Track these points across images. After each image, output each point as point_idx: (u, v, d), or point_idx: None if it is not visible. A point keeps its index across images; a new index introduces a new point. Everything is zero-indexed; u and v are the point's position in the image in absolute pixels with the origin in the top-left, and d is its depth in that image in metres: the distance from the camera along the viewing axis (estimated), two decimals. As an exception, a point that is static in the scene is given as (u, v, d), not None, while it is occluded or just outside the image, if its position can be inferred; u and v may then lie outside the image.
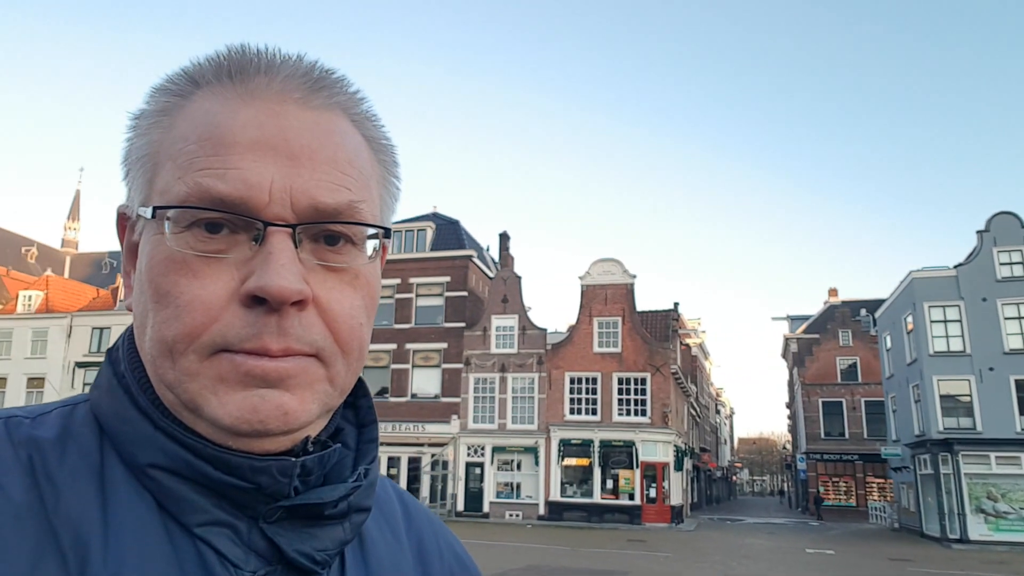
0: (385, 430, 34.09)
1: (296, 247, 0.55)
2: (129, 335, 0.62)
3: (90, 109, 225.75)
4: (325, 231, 0.57)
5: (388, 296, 35.97)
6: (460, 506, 33.11)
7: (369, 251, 0.60)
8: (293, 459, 0.56)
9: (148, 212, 0.55)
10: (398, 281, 35.99)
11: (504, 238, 36.67)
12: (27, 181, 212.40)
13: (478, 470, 33.44)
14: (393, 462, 34.14)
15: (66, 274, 61.97)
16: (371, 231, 0.59)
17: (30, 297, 41.55)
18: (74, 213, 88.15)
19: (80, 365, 39.21)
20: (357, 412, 0.68)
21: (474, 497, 33.29)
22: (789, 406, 63.58)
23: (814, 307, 64.05)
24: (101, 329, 39.63)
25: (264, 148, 0.55)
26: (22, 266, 58.76)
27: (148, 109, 0.60)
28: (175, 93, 0.59)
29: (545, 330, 34.31)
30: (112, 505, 0.53)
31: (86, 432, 0.57)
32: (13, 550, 0.48)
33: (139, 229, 0.59)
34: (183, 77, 0.59)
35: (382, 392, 34.83)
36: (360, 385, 0.66)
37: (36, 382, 39.63)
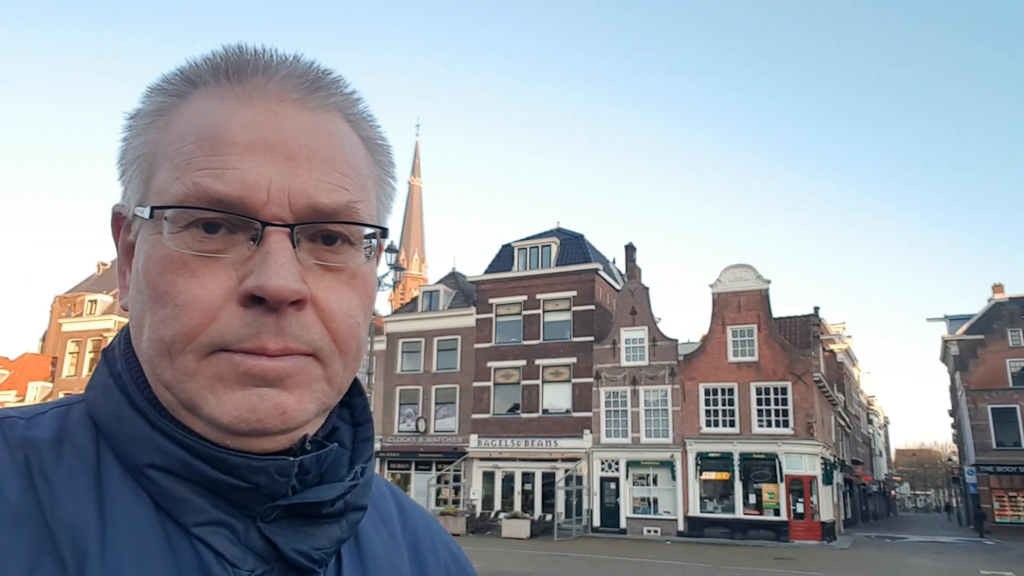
0: (518, 446, 34.39)
1: (294, 247, 0.55)
2: (125, 334, 0.62)
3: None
4: (323, 231, 0.57)
5: (515, 313, 36.38)
6: (596, 521, 32.75)
7: (366, 251, 0.60)
8: (291, 458, 0.56)
9: (146, 212, 0.55)
10: (525, 298, 36.35)
11: (630, 249, 36.22)
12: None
13: (613, 485, 32.97)
14: (527, 477, 34.33)
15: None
16: (368, 231, 0.59)
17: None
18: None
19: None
20: (352, 411, 0.67)
21: (610, 512, 32.83)
22: (952, 414, 58.35)
23: (975, 305, 58.60)
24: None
25: (262, 149, 0.55)
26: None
27: (144, 109, 0.60)
28: (171, 93, 0.59)
29: (676, 341, 33.45)
30: (109, 506, 0.53)
31: (82, 432, 0.57)
32: (11, 552, 0.48)
33: (135, 229, 0.59)
34: (179, 77, 0.59)
35: (514, 408, 35.18)
36: (355, 384, 0.66)
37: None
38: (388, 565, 0.67)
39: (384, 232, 0.61)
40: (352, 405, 0.67)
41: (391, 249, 24.64)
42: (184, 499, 0.55)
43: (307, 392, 0.55)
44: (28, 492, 0.51)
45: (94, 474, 0.54)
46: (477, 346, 36.83)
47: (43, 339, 60.66)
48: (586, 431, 33.53)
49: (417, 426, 37.09)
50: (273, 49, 0.60)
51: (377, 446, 36.69)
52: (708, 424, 31.76)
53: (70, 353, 48.53)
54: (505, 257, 38.53)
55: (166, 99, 0.59)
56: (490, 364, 36.33)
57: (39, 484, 0.52)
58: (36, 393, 49.10)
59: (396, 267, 24.88)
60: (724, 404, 31.65)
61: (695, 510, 31.32)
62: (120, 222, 0.62)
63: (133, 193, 0.59)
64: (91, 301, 49.90)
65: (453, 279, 41.29)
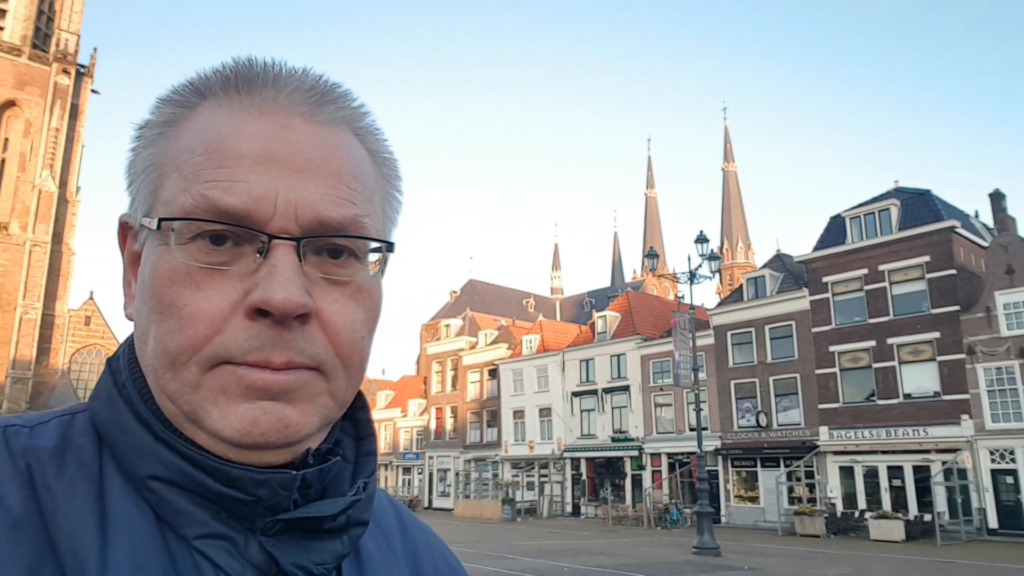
0: (878, 437, 30.56)
1: (300, 260, 0.55)
2: (129, 344, 0.62)
3: (563, 177, 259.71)
4: (329, 244, 0.57)
5: (856, 289, 32.55)
6: (992, 523, 27.42)
7: (372, 265, 0.60)
8: (294, 472, 0.56)
9: (153, 223, 0.55)
10: (865, 271, 32.34)
11: (996, 198, 30.25)
12: (519, 245, 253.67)
13: (1009, 479, 27.36)
14: (895, 472, 30.22)
15: (557, 317, 71.36)
16: (374, 245, 0.60)
17: (531, 340, 48.72)
18: (556, 263, 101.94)
19: (575, 394, 44.10)
20: (355, 425, 0.67)
21: (1010, 512, 27.23)
22: None
23: None
24: (586, 361, 44.04)
25: (270, 161, 0.55)
26: (524, 315, 69.80)
27: (154, 120, 0.60)
28: (180, 104, 0.60)
29: (1077, 299, 26.85)
30: (111, 516, 0.53)
31: (85, 442, 0.57)
32: (11, 561, 0.49)
33: (141, 239, 0.59)
34: (188, 89, 0.60)
35: (870, 396, 31.35)
36: (359, 398, 0.66)
37: (545, 411, 45.95)
38: None
39: (390, 246, 0.61)
40: (355, 419, 0.67)
41: (701, 239, 23.62)
42: (185, 511, 0.55)
43: (310, 406, 0.56)
44: (30, 501, 0.52)
45: (96, 484, 0.55)
46: (815, 330, 33.62)
47: (417, 362, 70.33)
48: (963, 416, 28.41)
49: (758, 420, 35.03)
50: (282, 62, 0.60)
51: (717, 443, 35.69)
52: None
53: (435, 372, 55.50)
54: (836, 230, 34.77)
55: (175, 110, 0.59)
56: (832, 348, 32.89)
57: (41, 493, 0.53)
58: (415, 409, 57.09)
59: (712, 257, 23.77)
60: None
61: None
62: (126, 232, 0.63)
63: (140, 203, 0.59)
64: (445, 326, 56.67)
65: (779, 261, 38.43)
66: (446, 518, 41.83)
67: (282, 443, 0.55)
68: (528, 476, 46.35)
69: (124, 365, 0.60)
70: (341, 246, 0.57)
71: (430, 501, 53.14)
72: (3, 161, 56.91)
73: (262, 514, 0.56)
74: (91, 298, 68.86)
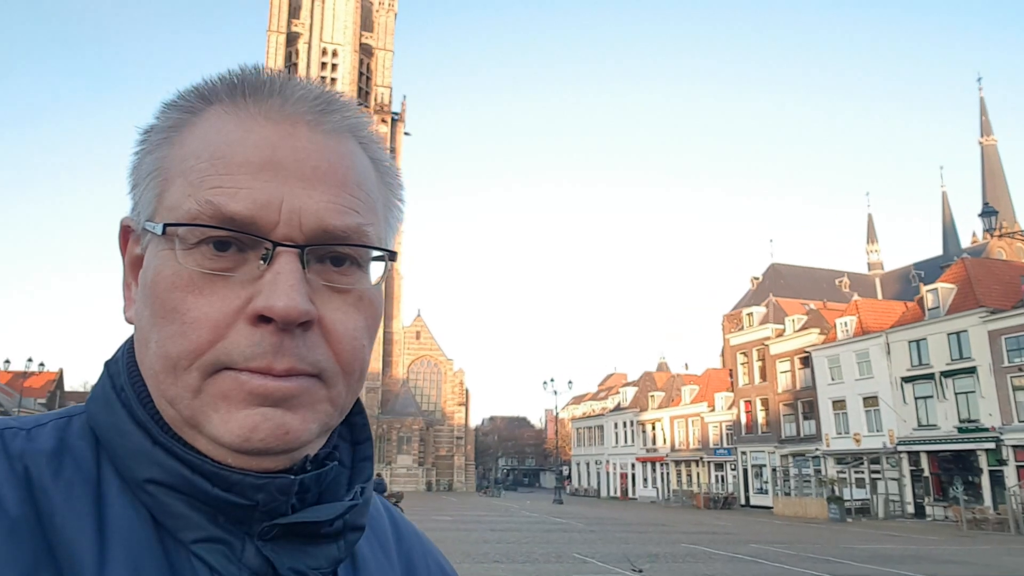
0: None
1: (304, 268, 0.56)
2: (128, 347, 0.62)
3: (876, 144, 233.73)
4: (332, 253, 0.58)
5: None
6: None
7: (374, 274, 0.61)
8: (292, 477, 0.57)
9: (158, 228, 0.56)
10: None
11: None
12: (825, 222, 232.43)
13: None
14: None
15: (878, 295, 63.89)
16: (376, 253, 0.61)
17: (846, 323, 44.14)
18: (871, 236, 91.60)
19: (906, 380, 38.90)
20: (352, 430, 0.68)
21: None
22: None
23: None
24: (917, 341, 38.68)
25: (276, 169, 0.56)
26: (836, 296, 63.37)
27: (158, 124, 0.61)
28: (186, 109, 0.60)
29: None
30: (108, 519, 0.54)
31: (82, 445, 0.58)
32: (8, 564, 0.49)
33: (144, 243, 0.60)
34: (194, 94, 0.60)
35: None
36: (355, 402, 0.66)
37: (870, 400, 41.21)
38: None
39: (392, 255, 0.62)
40: (352, 423, 0.68)
41: (988, 212, 19.04)
42: (183, 515, 0.55)
43: (310, 413, 0.56)
44: (27, 504, 0.52)
45: (94, 487, 0.55)
46: None
47: (721, 354, 67.98)
48: None
49: None
50: (288, 71, 0.62)
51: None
52: None
53: (740, 364, 53.00)
54: None
55: (181, 115, 0.60)
56: None
57: (39, 496, 0.53)
58: (721, 403, 55.10)
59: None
60: None
61: None
62: (128, 234, 0.63)
63: (144, 207, 0.59)
64: (748, 314, 53.86)
65: None
66: (765, 516, 39.67)
67: (281, 450, 0.55)
68: (856, 472, 41.94)
69: (123, 368, 0.60)
70: (344, 254, 0.58)
71: (746, 498, 50.83)
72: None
73: (259, 519, 0.56)
74: (419, 316, 78.63)
